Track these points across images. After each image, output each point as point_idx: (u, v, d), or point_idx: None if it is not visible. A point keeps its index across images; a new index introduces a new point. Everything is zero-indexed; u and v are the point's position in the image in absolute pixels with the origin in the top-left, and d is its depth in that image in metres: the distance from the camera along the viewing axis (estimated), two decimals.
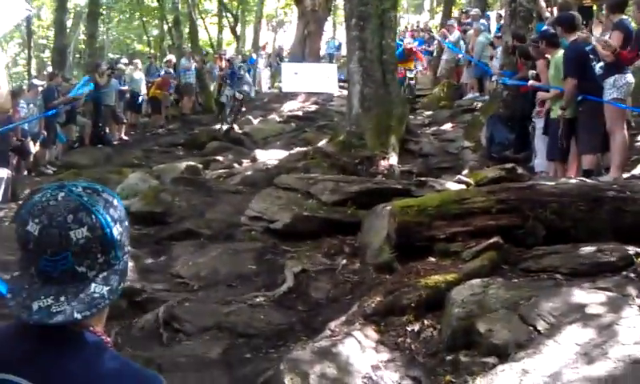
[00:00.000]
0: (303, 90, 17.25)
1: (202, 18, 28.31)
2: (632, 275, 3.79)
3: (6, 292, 1.09)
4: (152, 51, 28.87)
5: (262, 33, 30.21)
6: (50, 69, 19.10)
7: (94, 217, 1.08)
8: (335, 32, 32.03)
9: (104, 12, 27.20)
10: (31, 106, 10.63)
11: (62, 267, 1.07)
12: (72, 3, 25.75)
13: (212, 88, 18.39)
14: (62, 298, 1.06)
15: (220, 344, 4.01)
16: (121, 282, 1.14)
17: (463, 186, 6.44)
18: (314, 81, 17.24)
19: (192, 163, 9.79)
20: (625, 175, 6.23)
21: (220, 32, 30.35)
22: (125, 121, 15.10)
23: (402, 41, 14.68)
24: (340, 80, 17.31)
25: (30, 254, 1.08)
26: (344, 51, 18.08)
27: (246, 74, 15.28)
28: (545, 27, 7.90)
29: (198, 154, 12.15)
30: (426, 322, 3.84)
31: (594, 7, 10.29)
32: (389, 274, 4.61)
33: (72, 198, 1.09)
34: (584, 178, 5.50)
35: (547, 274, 4.07)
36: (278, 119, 15.11)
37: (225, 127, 13.46)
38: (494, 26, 14.20)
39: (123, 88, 14.80)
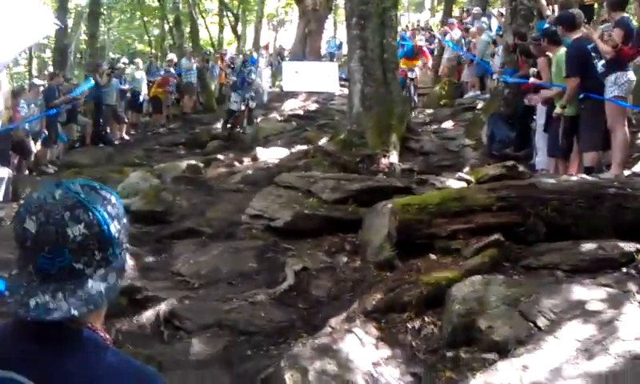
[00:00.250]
0: (304, 88, 17.19)
1: (202, 17, 28.33)
2: (632, 272, 3.81)
3: (4, 290, 1.09)
4: (153, 51, 28.86)
5: (263, 32, 30.23)
6: (50, 69, 19.14)
7: (91, 214, 1.08)
8: (336, 31, 32.07)
9: (105, 12, 27.29)
10: (32, 105, 10.62)
11: (60, 264, 1.06)
12: (73, 3, 25.77)
13: (213, 87, 18.41)
14: (60, 295, 1.06)
15: (221, 341, 4.00)
16: (119, 279, 1.14)
17: (464, 184, 6.44)
18: (315, 80, 17.19)
19: (193, 162, 9.77)
20: (626, 172, 6.23)
21: (221, 31, 30.36)
22: (126, 120, 15.10)
23: (405, 40, 14.64)
24: (341, 79, 17.25)
25: (27, 252, 1.08)
26: (345, 50, 18.11)
27: (257, 79, 14.94)
28: (546, 25, 7.89)
29: (199, 152, 12.13)
30: (426, 318, 3.85)
31: (595, 5, 10.28)
32: (389, 272, 4.62)
33: (69, 195, 1.09)
34: (585, 176, 5.49)
35: (548, 270, 4.09)
36: (278, 118, 15.08)
37: (230, 131, 13.11)
38: (494, 25, 14.20)
39: (124, 87, 14.79)
